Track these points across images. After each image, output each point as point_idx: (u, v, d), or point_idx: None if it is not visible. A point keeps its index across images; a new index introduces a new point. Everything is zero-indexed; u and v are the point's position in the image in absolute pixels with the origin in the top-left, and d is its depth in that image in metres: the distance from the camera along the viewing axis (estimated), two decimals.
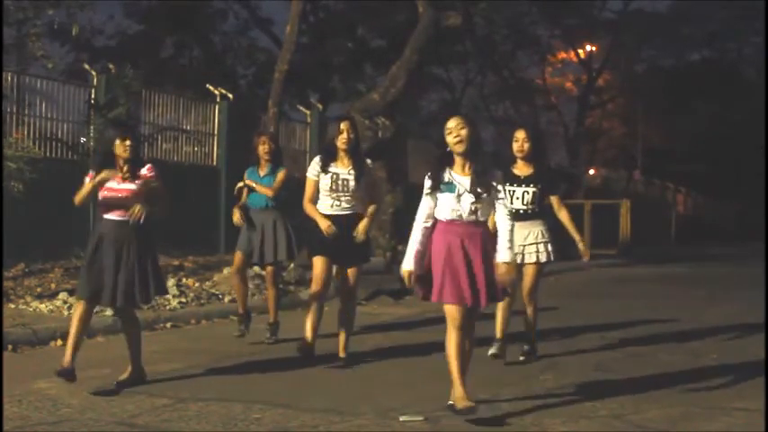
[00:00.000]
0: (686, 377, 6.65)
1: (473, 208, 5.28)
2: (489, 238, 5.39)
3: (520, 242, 6.90)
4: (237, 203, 8.16)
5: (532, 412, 5.42)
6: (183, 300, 9.79)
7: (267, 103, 13.88)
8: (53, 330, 7.74)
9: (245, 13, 26.99)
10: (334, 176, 6.92)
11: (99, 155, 6.08)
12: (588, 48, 38.74)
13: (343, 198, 6.94)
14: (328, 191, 6.93)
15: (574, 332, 8.96)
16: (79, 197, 6.02)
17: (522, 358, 7.16)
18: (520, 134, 7.17)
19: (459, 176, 5.31)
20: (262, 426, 5.06)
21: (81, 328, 5.98)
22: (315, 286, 6.98)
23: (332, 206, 6.95)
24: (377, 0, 23.66)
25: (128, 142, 5.96)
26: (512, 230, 5.35)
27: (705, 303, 12.26)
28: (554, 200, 7.20)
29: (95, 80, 13.38)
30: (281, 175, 8.07)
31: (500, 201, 5.38)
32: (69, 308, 8.63)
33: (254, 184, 8.06)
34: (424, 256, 5.30)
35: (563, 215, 7.18)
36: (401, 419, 5.20)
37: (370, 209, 7.06)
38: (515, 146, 7.14)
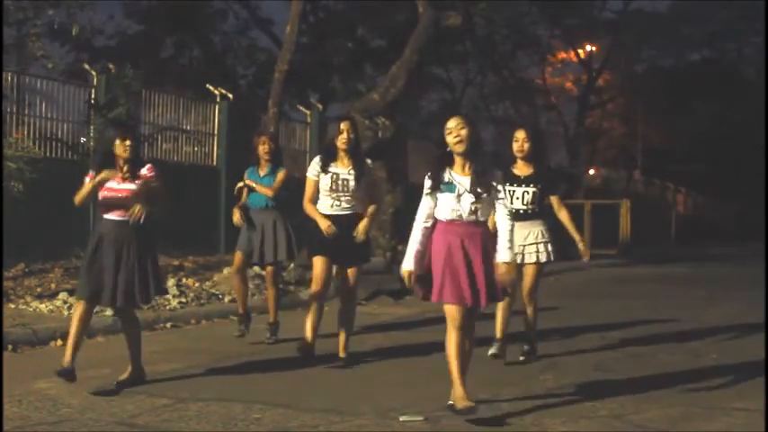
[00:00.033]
0: (686, 377, 6.65)
1: (473, 208, 5.28)
2: (489, 238, 5.40)
3: (520, 242, 6.90)
4: (237, 203, 8.16)
5: (532, 412, 5.41)
6: (183, 300, 9.79)
7: (267, 103, 13.88)
8: (53, 330, 7.74)
9: (245, 13, 27.00)
10: (335, 176, 6.92)
11: (99, 155, 6.08)
12: (588, 48, 38.74)
13: (343, 198, 6.94)
14: (328, 191, 6.93)
15: (574, 332, 8.96)
16: (79, 197, 6.02)
17: (522, 358, 7.16)
18: (520, 134, 7.17)
19: (459, 176, 5.32)
20: (262, 426, 5.06)
21: (81, 329, 5.98)
22: (315, 286, 6.98)
23: (332, 206, 6.95)
24: (377, 0, 23.65)
25: (128, 142, 5.96)
26: (512, 230, 5.35)
27: (705, 303, 12.26)
28: (554, 200, 7.20)
29: (95, 80, 13.38)
30: (280, 175, 8.07)
31: (500, 201, 5.38)
32: (69, 308, 8.62)
33: (254, 184, 8.06)
34: (424, 256, 5.30)
35: (563, 215, 7.18)
36: (401, 419, 5.20)
37: (370, 209, 7.06)
38: (515, 146, 7.14)
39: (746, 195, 41.73)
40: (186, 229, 13.58)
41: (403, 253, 5.44)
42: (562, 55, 40.01)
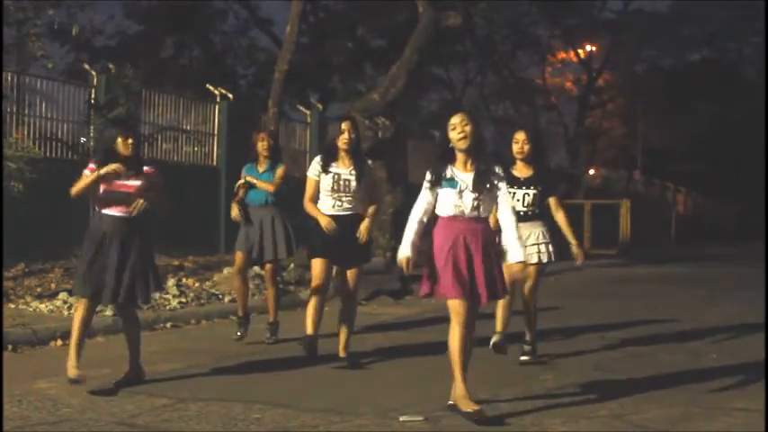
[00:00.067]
0: (686, 377, 6.65)
1: (475, 204, 5.27)
2: (491, 234, 5.40)
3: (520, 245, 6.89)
4: (235, 198, 8.13)
5: (532, 412, 5.41)
6: (183, 300, 9.79)
7: (267, 103, 13.88)
8: (53, 330, 7.74)
9: (245, 13, 26.98)
10: (336, 177, 6.92)
11: (101, 153, 6.04)
12: (588, 48, 38.74)
13: (344, 198, 6.94)
14: (330, 191, 6.93)
15: (574, 332, 8.96)
16: (77, 189, 5.96)
17: (522, 358, 7.16)
18: (520, 136, 7.16)
19: (462, 173, 5.30)
20: (262, 426, 5.06)
21: (84, 329, 5.99)
22: (313, 288, 6.97)
23: (333, 206, 6.94)
24: (377, 0, 23.64)
25: (130, 140, 5.96)
26: (518, 228, 5.37)
27: (705, 303, 12.26)
28: (552, 201, 7.19)
29: (95, 80, 13.38)
30: (280, 171, 8.06)
31: (504, 198, 5.37)
32: (69, 308, 8.62)
33: (254, 180, 8.04)
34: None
35: (560, 217, 7.17)
36: (401, 419, 5.20)
37: (371, 209, 7.06)
38: (515, 147, 7.14)
39: (746, 195, 41.74)
40: (186, 229, 13.58)
41: None
42: (562, 55, 40.02)
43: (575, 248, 7.17)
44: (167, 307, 9.39)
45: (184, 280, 10.84)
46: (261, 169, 8.10)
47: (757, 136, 38.33)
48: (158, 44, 24.99)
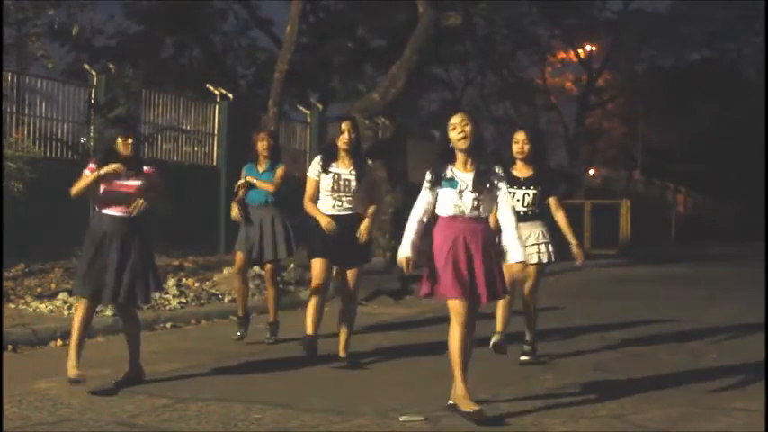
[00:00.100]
0: (686, 377, 6.65)
1: (475, 204, 5.27)
2: (491, 234, 5.40)
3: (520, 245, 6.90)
4: (235, 198, 8.13)
5: (532, 412, 5.41)
6: (183, 300, 9.79)
7: (267, 103, 13.88)
8: (53, 330, 7.74)
9: (245, 13, 26.97)
10: (336, 177, 6.92)
11: (101, 153, 6.04)
12: (588, 48, 38.75)
13: (344, 198, 6.94)
14: (330, 191, 6.93)
15: (574, 332, 8.96)
16: (77, 189, 5.95)
17: (522, 358, 7.16)
18: (520, 136, 7.16)
19: (462, 173, 5.30)
20: (262, 426, 5.06)
21: (84, 329, 5.99)
22: (313, 288, 6.97)
23: (333, 206, 6.94)
24: (377, 0, 23.65)
25: (130, 140, 5.96)
26: (518, 228, 5.37)
27: (705, 303, 12.26)
28: (552, 201, 7.19)
29: (95, 80, 13.38)
30: (280, 171, 8.06)
31: (504, 198, 5.37)
32: (69, 308, 8.63)
33: (255, 181, 8.04)
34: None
35: (560, 217, 7.17)
36: (401, 419, 5.20)
37: (371, 209, 7.06)
38: (515, 147, 7.13)
39: (746, 195, 41.75)
40: (186, 229, 13.58)
41: None
42: (562, 55, 40.02)
43: (575, 248, 7.17)
44: (167, 307, 9.39)
45: (184, 280, 10.84)
46: (261, 169, 8.10)
47: (757, 136, 38.34)
48: (158, 44, 24.99)
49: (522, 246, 5.35)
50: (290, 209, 8.01)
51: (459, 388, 5.21)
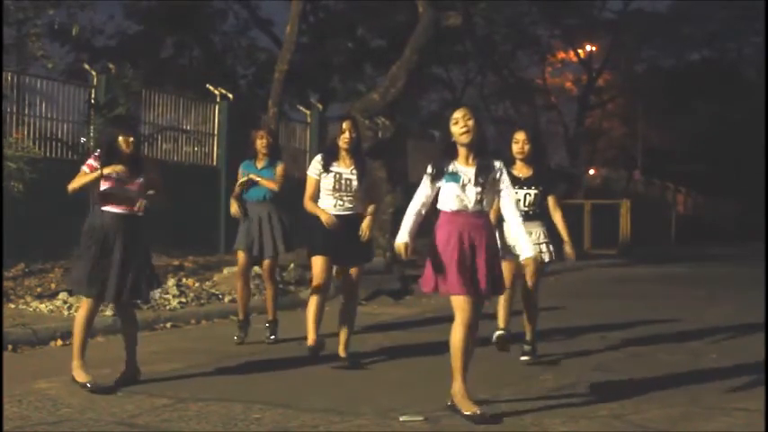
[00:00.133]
0: (686, 377, 6.65)
1: (479, 197, 5.27)
2: (492, 229, 5.41)
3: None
4: (233, 194, 8.11)
5: (532, 412, 5.41)
6: (183, 300, 9.79)
7: (267, 103, 13.89)
8: (53, 330, 7.73)
9: (245, 13, 26.98)
10: (337, 176, 6.91)
11: (103, 150, 5.99)
12: (588, 48, 38.75)
13: (345, 198, 6.93)
14: (331, 190, 6.92)
15: (574, 332, 8.96)
16: (75, 185, 5.90)
17: (522, 358, 7.16)
18: (520, 136, 7.15)
19: (464, 168, 5.30)
20: (262, 426, 5.06)
21: (88, 330, 5.99)
22: (315, 286, 6.95)
23: (335, 206, 6.92)
24: (377, 0, 23.65)
25: (131, 138, 5.96)
26: (522, 223, 5.39)
27: (705, 303, 12.26)
28: (551, 200, 7.19)
29: (95, 80, 13.39)
30: (280, 169, 8.03)
31: (508, 192, 5.37)
32: (69, 308, 8.63)
33: (258, 178, 8.01)
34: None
35: (557, 216, 7.17)
36: (401, 419, 5.20)
37: (370, 208, 7.05)
38: (515, 147, 7.13)
39: (746, 195, 41.74)
40: (186, 229, 13.58)
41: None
42: (562, 55, 40.03)
43: (567, 247, 7.16)
44: (167, 307, 9.39)
45: (184, 280, 10.83)
46: (259, 166, 8.08)
47: (757, 136, 38.34)
48: (158, 44, 24.99)
49: (531, 242, 5.37)
50: (289, 207, 8.00)
51: (458, 388, 5.20)
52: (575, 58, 39.72)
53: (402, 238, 5.25)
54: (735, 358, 7.48)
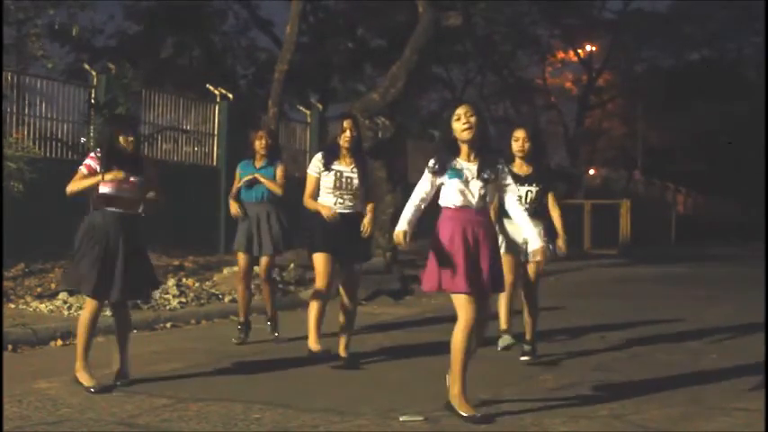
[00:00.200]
0: (686, 377, 6.65)
1: (482, 193, 5.26)
2: (492, 226, 5.43)
3: (521, 241, 6.92)
4: (232, 194, 8.10)
5: (532, 412, 5.41)
6: (183, 300, 9.79)
7: (267, 103, 13.91)
8: (53, 330, 7.74)
9: (245, 13, 26.99)
10: (338, 174, 6.91)
11: (103, 150, 5.98)
12: (588, 48, 38.75)
13: (346, 196, 6.92)
14: (332, 188, 6.91)
15: (574, 332, 8.96)
16: (75, 188, 5.89)
17: (522, 358, 7.16)
18: (520, 133, 7.16)
19: (466, 164, 5.29)
20: (262, 426, 5.06)
21: (92, 331, 5.99)
22: (318, 283, 6.92)
23: (335, 204, 6.92)
24: (377, 0, 23.66)
25: (131, 138, 5.96)
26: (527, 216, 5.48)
27: (705, 303, 12.25)
28: (550, 197, 7.20)
29: (95, 80, 13.39)
30: (280, 170, 8.03)
31: (511, 187, 5.38)
32: (69, 308, 8.63)
33: (262, 179, 7.99)
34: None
35: (555, 214, 7.19)
36: (401, 419, 5.20)
37: (369, 206, 7.05)
38: (515, 145, 7.13)
39: (746, 195, 41.74)
40: (186, 229, 13.58)
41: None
42: (562, 55, 40.03)
43: (560, 241, 7.17)
44: (167, 307, 9.39)
45: (184, 280, 10.84)
46: (257, 165, 8.07)
47: (757, 136, 38.33)
48: (158, 44, 24.98)
49: (539, 234, 5.39)
50: (289, 207, 8.00)
51: (457, 391, 5.19)
52: (575, 58, 39.72)
53: (401, 226, 5.21)
54: (735, 358, 7.48)
